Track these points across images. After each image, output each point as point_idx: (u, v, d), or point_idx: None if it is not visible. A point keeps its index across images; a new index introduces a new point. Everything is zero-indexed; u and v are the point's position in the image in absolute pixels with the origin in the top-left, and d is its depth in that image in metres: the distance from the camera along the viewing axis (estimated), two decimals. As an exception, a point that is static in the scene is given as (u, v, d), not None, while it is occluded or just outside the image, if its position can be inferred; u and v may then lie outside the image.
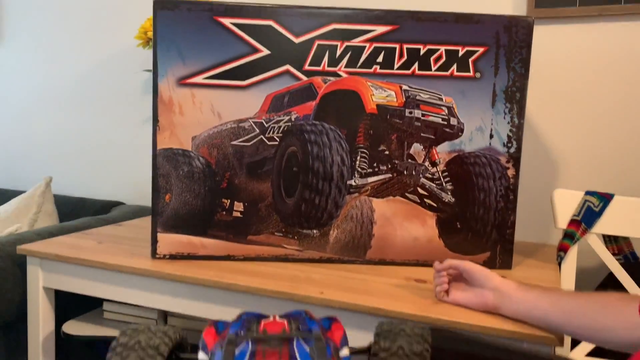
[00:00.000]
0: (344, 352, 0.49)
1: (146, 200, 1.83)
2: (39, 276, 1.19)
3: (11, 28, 2.06)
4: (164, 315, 1.24)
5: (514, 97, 1.10)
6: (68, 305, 1.26)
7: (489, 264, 1.14)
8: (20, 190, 1.96)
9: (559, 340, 0.80)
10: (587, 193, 1.20)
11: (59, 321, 1.24)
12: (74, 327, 1.22)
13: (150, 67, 1.68)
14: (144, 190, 1.86)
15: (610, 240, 1.22)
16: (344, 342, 0.51)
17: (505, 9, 1.40)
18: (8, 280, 1.21)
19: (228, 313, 1.04)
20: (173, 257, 1.13)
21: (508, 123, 1.11)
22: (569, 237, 1.18)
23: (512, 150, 1.11)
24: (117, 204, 1.83)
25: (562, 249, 1.18)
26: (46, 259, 1.17)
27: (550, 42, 1.38)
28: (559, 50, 1.38)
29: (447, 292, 0.93)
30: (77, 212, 1.79)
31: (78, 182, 1.97)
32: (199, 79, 1.09)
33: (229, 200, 1.12)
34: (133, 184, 1.91)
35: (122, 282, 1.12)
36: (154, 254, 1.13)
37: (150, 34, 1.59)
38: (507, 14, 1.11)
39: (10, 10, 2.05)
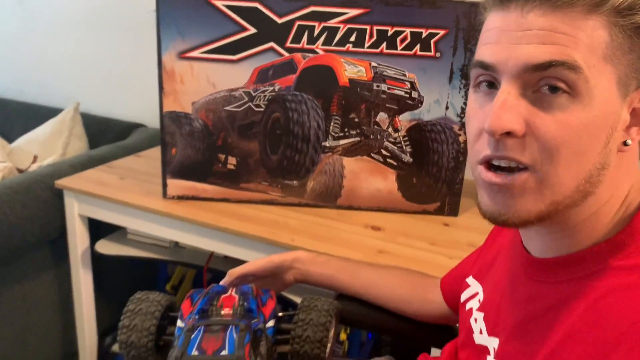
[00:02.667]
0: (269, 324, 0.75)
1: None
2: (74, 206, 1.47)
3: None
4: (176, 243, 1.53)
5: (469, 75, 1.26)
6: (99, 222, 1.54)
7: (439, 211, 1.37)
8: (51, 106, 2.20)
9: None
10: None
11: (93, 236, 1.54)
12: (104, 247, 1.52)
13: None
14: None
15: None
16: (272, 315, 0.76)
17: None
18: (50, 207, 1.50)
19: (223, 248, 1.31)
20: (180, 197, 1.38)
21: (462, 97, 1.28)
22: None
23: (464, 120, 1.29)
24: (137, 125, 2.07)
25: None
26: (80, 194, 1.45)
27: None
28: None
29: None
30: (102, 132, 2.03)
31: (103, 102, 2.19)
32: (196, 53, 1.27)
33: (224, 155, 1.35)
34: (151, 106, 2.12)
35: (140, 216, 1.39)
36: (164, 194, 1.38)
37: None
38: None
39: None
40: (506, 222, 0.54)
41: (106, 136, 2.01)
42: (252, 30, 1.25)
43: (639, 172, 0.57)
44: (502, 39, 0.52)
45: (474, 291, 0.74)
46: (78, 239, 1.50)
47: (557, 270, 0.57)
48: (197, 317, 0.72)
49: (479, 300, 0.71)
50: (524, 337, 0.59)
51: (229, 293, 0.77)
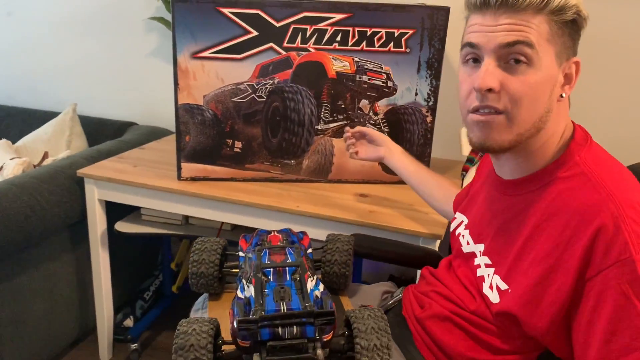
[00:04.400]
0: (309, 251, 0.99)
1: (153, 121, 2.27)
2: (94, 191, 1.66)
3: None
4: (186, 218, 1.74)
5: (433, 66, 1.54)
6: (115, 207, 1.73)
7: (413, 181, 1.64)
8: (46, 110, 2.35)
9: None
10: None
11: (108, 220, 1.74)
12: (123, 227, 1.72)
13: (154, 15, 2.05)
14: (152, 111, 2.29)
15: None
16: (309, 245, 1.01)
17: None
18: (72, 193, 1.68)
19: (234, 218, 1.54)
20: (193, 179, 1.60)
21: (428, 84, 1.56)
22: (470, 161, 1.68)
23: (430, 103, 1.58)
24: (130, 124, 2.25)
25: (464, 170, 1.69)
26: (99, 180, 1.64)
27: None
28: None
29: (356, 153, 1.36)
30: (99, 131, 2.21)
31: (94, 104, 2.36)
32: (206, 54, 1.50)
33: (231, 140, 1.58)
34: (143, 106, 2.31)
35: (156, 196, 1.60)
36: (179, 177, 1.60)
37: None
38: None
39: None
40: (488, 148, 0.81)
41: (102, 135, 2.19)
42: (255, 33, 1.49)
43: (568, 115, 0.85)
44: (483, 30, 0.78)
45: (459, 221, 1.01)
46: (98, 221, 1.69)
47: (523, 185, 0.85)
48: (254, 248, 0.96)
49: (465, 224, 0.98)
50: (504, 235, 0.86)
51: (272, 233, 1.02)
